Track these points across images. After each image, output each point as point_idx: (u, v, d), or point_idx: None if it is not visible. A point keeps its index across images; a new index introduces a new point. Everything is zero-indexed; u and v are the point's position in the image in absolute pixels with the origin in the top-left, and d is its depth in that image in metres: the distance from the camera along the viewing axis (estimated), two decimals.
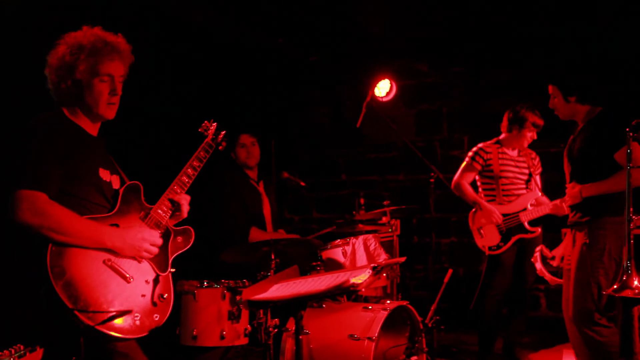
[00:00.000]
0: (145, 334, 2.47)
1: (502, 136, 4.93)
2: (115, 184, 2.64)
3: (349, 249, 4.00)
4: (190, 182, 2.77)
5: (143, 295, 2.50)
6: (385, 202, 4.78)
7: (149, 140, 4.95)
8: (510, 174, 4.86)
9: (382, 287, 4.50)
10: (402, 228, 6.00)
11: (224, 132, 2.98)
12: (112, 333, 2.35)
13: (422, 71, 6.85)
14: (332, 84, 7.05)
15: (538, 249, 4.08)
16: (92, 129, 2.63)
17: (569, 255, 3.79)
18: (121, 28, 2.70)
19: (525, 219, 4.76)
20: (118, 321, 2.36)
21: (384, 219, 5.01)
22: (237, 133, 4.77)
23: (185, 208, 2.74)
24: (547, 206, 4.70)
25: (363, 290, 4.00)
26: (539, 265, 4.06)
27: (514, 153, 4.91)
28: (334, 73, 6.94)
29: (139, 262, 2.54)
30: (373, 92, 5.28)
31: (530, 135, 4.82)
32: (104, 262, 2.42)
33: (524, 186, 4.90)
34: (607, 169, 3.62)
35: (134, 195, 2.64)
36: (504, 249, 4.76)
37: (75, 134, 2.53)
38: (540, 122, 4.79)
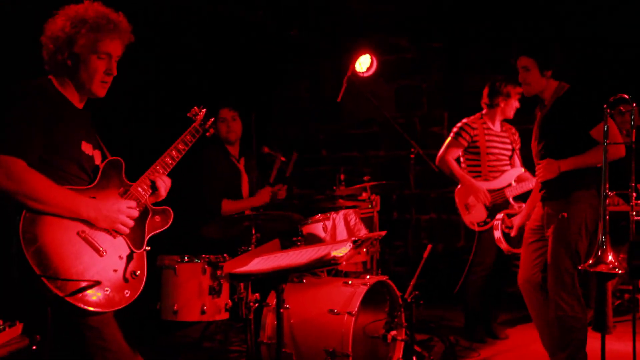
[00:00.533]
0: (114, 309, 2.45)
1: (484, 111, 4.95)
2: (97, 159, 2.62)
3: (329, 223, 4.03)
4: (174, 164, 2.77)
5: (115, 270, 2.48)
6: (365, 178, 4.78)
7: (135, 117, 4.88)
8: (496, 150, 4.89)
9: (362, 263, 4.53)
10: (382, 204, 6.01)
11: (212, 119, 2.99)
12: (80, 305, 2.33)
13: (402, 46, 6.82)
14: (312, 59, 7.00)
15: (500, 216, 4.17)
16: (79, 101, 2.60)
17: (535, 226, 3.90)
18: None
19: (510, 194, 4.81)
20: (87, 293, 2.34)
21: (364, 195, 5.03)
22: (218, 107, 4.72)
23: (164, 190, 2.72)
24: (530, 181, 4.74)
25: (344, 264, 4.05)
26: (498, 234, 4.15)
27: (497, 128, 4.95)
28: (314, 47, 6.89)
29: (114, 237, 2.52)
30: (354, 67, 5.24)
31: (515, 105, 4.88)
32: (77, 233, 2.40)
33: (508, 162, 4.95)
34: (583, 144, 3.71)
35: (114, 170, 2.62)
36: (490, 224, 4.78)
37: (60, 105, 2.51)
38: (521, 89, 4.82)
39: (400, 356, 4.09)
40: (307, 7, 6.34)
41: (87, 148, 2.57)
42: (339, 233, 4.01)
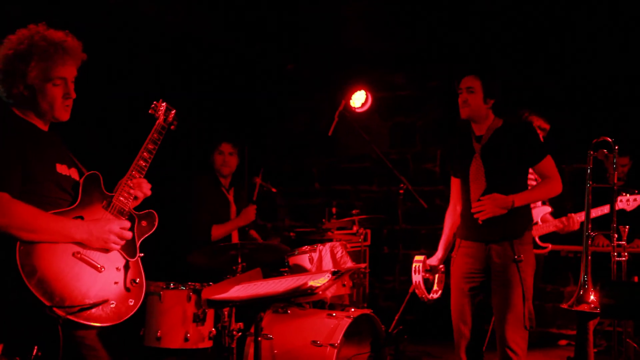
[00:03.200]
0: (122, 320, 2.50)
1: None
2: (75, 176, 2.64)
3: (315, 255, 4.05)
4: (147, 165, 2.77)
5: (116, 283, 2.53)
6: (354, 212, 4.83)
7: (102, 129, 4.90)
8: None
9: (349, 295, 4.55)
10: (373, 239, 6.07)
11: (174, 111, 2.94)
12: (91, 323, 2.38)
13: (398, 84, 6.94)
14: (309, 93, 7.10)
15: (420, 258, 3.75)
16: (43, 125, 2.61)
17: (471, 270, 3.59)
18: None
19: (536, 233, 4.57)
20: (95, 311, 2.40)
21: (354, 229, 5.08)
22: (220, 140, 4.81)
23: (143, 196, 2.75)
24: (552, 223, 4.53)
25: (327, 296, 4.07)
26: (417, 278, 3.67)
27: None
28: (311, 82, 6.99)
29: (108, 251, 2.56)
30: (346, 102, 5.32)
31: None
32: (73, 254, 2.44)
33: None
34: (523, 179, 3.67)
35: (94, 185, 2.64)
36: None
37: (28, 132, 2.51)
38: (547, 125, 4.66)
39: None
40: (304, 42, 6.46)
41: (62, 169, 2.58)
42: (324, 265, 4.04)
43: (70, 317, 2.33)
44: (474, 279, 3.59)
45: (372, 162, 6.96)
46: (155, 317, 3.70)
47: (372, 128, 6.66)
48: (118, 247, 2.57)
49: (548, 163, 3.61)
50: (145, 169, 2.76)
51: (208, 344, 3.79)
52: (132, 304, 2.56)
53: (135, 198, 2.74)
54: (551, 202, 4.70)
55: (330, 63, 6.79)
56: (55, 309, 2.30)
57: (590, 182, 3.55)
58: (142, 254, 2.68)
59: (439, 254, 3.82)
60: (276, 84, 6.99)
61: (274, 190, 4.95)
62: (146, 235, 2.74)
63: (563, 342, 6.01)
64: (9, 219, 2.30)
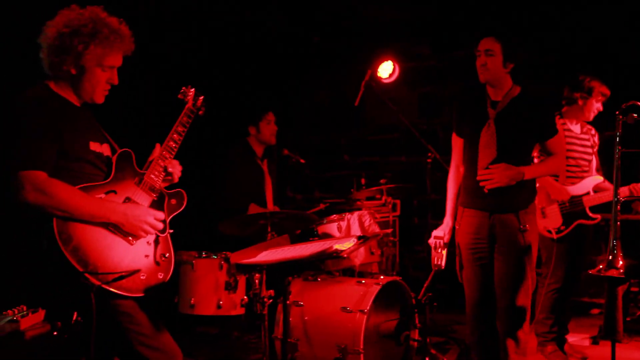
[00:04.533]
0: (150, 291, 2.59)
1: (563, 109, 4.55)
2: (107, 152, 2.70)
3: (344, 224, 4.11)
4: (177, 146, 2.85)
5: (146, 256, 2.63)
6: (382, 181, 4.86)
7: (133, 107, 5.00)
8: (576, 154, 4.51)
9: (378, 264, 4.60)
10: (403, 209, 6.09)
11: (202, 97, 3.02)
12: (122, 292, 2.48)
13: (424, 54, 6.89)
14: (335, 65, 7.10)
15: (440, 235, 3.71)
16: (77, 101, 2.67)
17: (476, 240, 3.59)
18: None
19: (588, 204, 4.46)
20: (127, 281, 2.49)
21: (383, 199, 5.11)
22: (266, 109, 4.91)
23: (177, 176, 2.85)
24: (609, 192, 4.39)
25: (356, 262, 4.13)
26: (441, 253, 3.69)
27: (577, 129, 4.55)
28: (337, 54, 6.99)
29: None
30: (372, 72, 5.29)
31: (597, 106, 4.49)
32: (107, 227, 2.53)
33: (588, 168, 4.57)
34: (531, 153, 3.64)
35: (126, 162, 2.72)
36: (564, 232, 4.44)
37: (62, 108, 2.56)
38: (608, 91, 4.49)
39: (413, 357, 4.16)
40: (330, 14, 6.44)
41: (95, 146, 2.64)
42: (353, 233, 4.09)
43: (102, 285, 2.41)
44: (480, 249, 3.60)
45: (401, 132, 6.95)
46: (188, 285, 3.79)
47: (400, 99, 6.63)
48: (146, 236, 2.64)
49: (558, 140, 3.58)
50: (175, 150, 2.84)
51: (240, 311, 3.86)
52: (161, 277, 2.65)
53: (166, 178, 2.81)
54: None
55: (356, 34, 6.76)
56: (88, 275, 2.38)
57: (620, 147, 3.51)
58: (172, 230, 2.76)
59: (450, 223, 3.76)
60: (302, 56, 6.99)
61: (302, 161, 5.01)
62: (175, 213, 2.83)
63: (595, 310, 5.98)
64: (46, 198, 2.37)
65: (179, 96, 2.98)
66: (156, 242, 2.69)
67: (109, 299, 2.49)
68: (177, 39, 5.16)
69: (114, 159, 2.68)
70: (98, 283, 2.41)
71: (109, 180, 2.64)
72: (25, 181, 2.36)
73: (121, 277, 2.47)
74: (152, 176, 2.75)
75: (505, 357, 3.57)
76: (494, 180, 3.43)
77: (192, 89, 3.00)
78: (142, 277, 2.57)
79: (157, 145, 2.86)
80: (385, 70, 6.17)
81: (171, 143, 2.83)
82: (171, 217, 2.80)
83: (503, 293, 3.54)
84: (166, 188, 2.85)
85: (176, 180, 2.85)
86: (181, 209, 2.84)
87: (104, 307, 2.50)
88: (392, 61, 6.17)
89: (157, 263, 2.66)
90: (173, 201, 2.83)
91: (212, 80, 5.64)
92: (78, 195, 2.45)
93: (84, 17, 2.54)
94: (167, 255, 2.70)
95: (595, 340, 4.97)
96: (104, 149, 2.70)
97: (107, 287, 2.43)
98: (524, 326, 3.54)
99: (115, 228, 2.55)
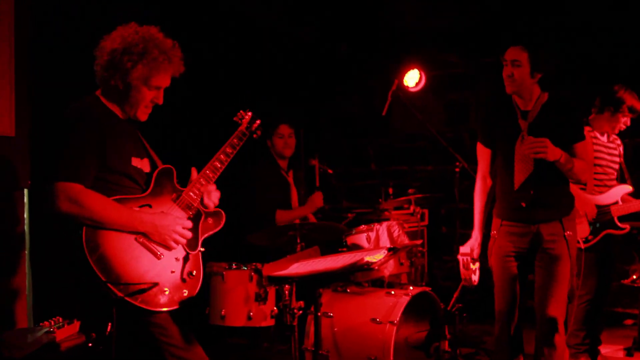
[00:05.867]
0: (174, 307, 2.60)
1: (591, 117, 4.50)
2: (146, 168, 2.75)
3: (372, 234, 4.11)
4: (223, 167, 2.87)
5: (172, 272, 2.63)
6: (410, 191, 4.85)
7: (181, 128, 5.10)
8: (604, 162, 4.46)
9: (407, 274, 4.59)
10: (431, 218, 6.07)
11: (258, 122, 3.08)
12: (142, 305, 2.48)
13: (451, 62, 6.87)
14: (362, 74, 7.11)
15: (467, 251, 3.66)
16: (122, 114, 2.72)
17: (516, 249, 3.54)
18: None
19: (616, 213, 4.40)
20: (148, 294, 2.50)
21: (411, 208, 5.10)
22: (277, 123, 4.91)
23: (211, 205, 2.84)
24: (638, 203, 4.39)
25: (385, 273, 4.12)
26: (474, 276, 3.64)
27: (604, 139, 4.49)
28: (364, 63, 7.00)
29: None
30: (399, 81, 5.27)
31: (624, 120, 4.42)
32: (135, 239, 2.56)
33: (615, 176, 4.53)
34: None
35: (167, 178, 2.76)
36: (592, 242, 4.37)
37: (108, 120, 2.63)
38: (639, 106, 4.40)
39: None
40: (356, 22, 6.46)
41: (136, 161, 2.70)
42: (382, 243, 4.09)
43: (122, 295, 2.42)
44: (517, 258, 3.55)
45: (428, 141, 6.93)
46: (218, 296, 3.82)
47: (426, 107, 6.63)
48: (176, 246, 2.65)
49: (586, 146, 3.52)
50: (220, 171, 2.86)
51: (270, 322, 3.88)
52: (185, 294, 2.63)
53: (203, 204, 2.82)
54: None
55: (383, 43, 6.77)
56: (110, 285, 2.41)
57: None
58: (203, 249, 2.76)
59: (479, 237, 3.71)
60: (329, 65, 7.02)
61: (330, 171, 5.02)
62: (211, 233, 2.82)
63: (629, 321, 5.88)
64: (80, 210, 2.43)
65: (235, 118, 3.05)
66: (185, 258, 2.68)
67: (137, 313, 2.51)
68: (204, 49, 5.22)
69: (154, 174, 2.72)
70: (119, 294, 2.42)
71: (145, 194, 2.68)
72: (60, 191, 2.42)
73: (142, 291, 2.47)
74: (191, 194, 2.77)
75: None
76: (542, 153, 3.30)
77: (250, 113, 3.05)
78: (165, 292, 2.56)
79: (194, 170, 2.85)
80: (412, 79, 6.16)
81: (216, 163, 2.85)
82: (206, 236, 2.79)
83: (540, 300, 3.50)
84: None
85: (211, 209, 2.85)
86: (217, 229, 2.83)
87: (136, 318, 2.54)
88: (419, 70, 6.16)
89: (183, 280, 2.64)
90: (210, 220, 2.83)
91: (240, 90, 5.70)
92: (110, 206, 2.49)
93: (137, 36, 2.61)
94: (195, 273, 2.69)
95: (629, 352, 4.88)
96: (144, 165, 2.75)
97: (129, 299, 2.44)
98: (561, 332, 3.49)
99: (146, 238, 2.57)
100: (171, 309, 2.58)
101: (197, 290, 2.68)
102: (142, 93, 2.64)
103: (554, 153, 3.32)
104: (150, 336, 2.59)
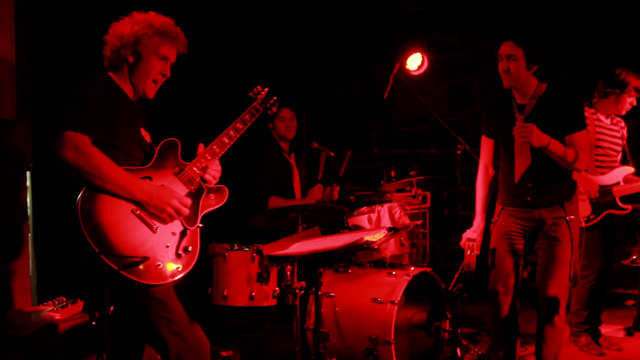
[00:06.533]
0: (166, 282, 2.57)
1: (595, 100, 4.53)
2: (154, 147, 2.79)
3: (374, 216, 4.13)
4: (231, 143, 2.85)
5: (167, 246, 2.60)
6: (411, 173, 4.86)
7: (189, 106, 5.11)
8: (606, 144, 4.51)
9: (408, 255, 4.61)
10: (433, 201, 6.08)
11: (275, 97, 3.08)
12: (134, 278, 2.47)
13: (452, 45, 6.85)
14: (364, 58, 7.11)
15: (474, 237, 3.67)
16: (132, 94, 2.80)
17: (514, 230, 3.57)
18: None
19: (617, 194, 4.44)
20: (140, 267, 2.48)
21: (413, 191, 5.11)
22: (279, 106, 4.90)
23: (212, 180, 2.83)
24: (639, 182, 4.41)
25: (387, 254, 4.15)
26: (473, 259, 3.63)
27: (607, 121, 4.54)
28: (366, 47, 6.99)
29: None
30: (401, 65, 5.26)
31: (630, 100, 4.46)
32: (132, 211, 2.56)
33: (617, 158, 4.57)
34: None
35: (170, 151, 2.77)
36: (594, 222, 4.43)
37: (119, 96, 2.72)
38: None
39: (444, 347, 4.17)
40: (357, 7, 6.45)
41: (146, 135, 2.79)
42: (383, 224, 4.11)
43: (114, 267, 2.41)
44: (517, 239, 3.59)
45: (430, 124, 6.94)
46: (221, 277, 3.86)
47: (429, 91, 6.62)
48: (171, 220, 2.63)
49: (584, 136, 3.49)
50: (227, 146, 2.84)
51: (272, 302, 3.93)
52: (179, 269, 2.60)
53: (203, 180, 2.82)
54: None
55: (384, 27, 6.75)
56: (102, 255, 2.41)
57: None
58: (202, 225, 2.73)
59: (481, 224, 3.73)
60: (331, 49, 7.01)
61: (332, 154, 5.03)
62: (212, 209, 2.78)
63: (630, 302, 5.91)
64: (83, 160, 2.47)
65: (250, 94, 3.04)
66: (182, 233, 2.65)
67: (137, 288, 2.53)
68: (204, 34, 5.22)
69: (158, 146, 2.76)
70: (111, 265, 2.41)
71: (147, 166, 2.70)
72: (69, 140, 2.48)
73: (134, 264, 2.45)
74: (195, 168, 2.76)
75: (542, 342, 3.58)
76: (529, 139, 3.33)
77: (266, 88, 3.05)
78: (158, 265, 2.54)
79: (200, 145, 2.87)
80: (414, 62, 6.14)
81: (225, 138, 2.85)
82: (206, 211, 2.77)
83: (542, 281, 3.56)
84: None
85: (212, 185, 2.84)
86: (220, 205, 2.80)
87: (135, 291, 2.55)
88: (421, 53, 6.15)
89: (177, 255, 2.61)
90: (212, 196, 2.79)
91: (240, 74, 5.70)
92: (112, 166, 2.53)
93: (145, 16, 2.76)
94: (191, 248, 2.65)
95: (629, 332, 4.92)
96: (149, 139, 2.81)
97: (121, 272, 2.42)
98: (561, 313, 3.54)
99: (143, 210, 2.58)
100: (162, 283, 2.56)
101: (190, 267, 2.64)
102: (152, 62, 2.74)
103: (538, 139, 3.32)
104: (150, 310, 2.58)
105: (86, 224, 2.43)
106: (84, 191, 2.48)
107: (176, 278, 2.59)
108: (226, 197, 2.83)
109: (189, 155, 2.83)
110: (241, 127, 2.89)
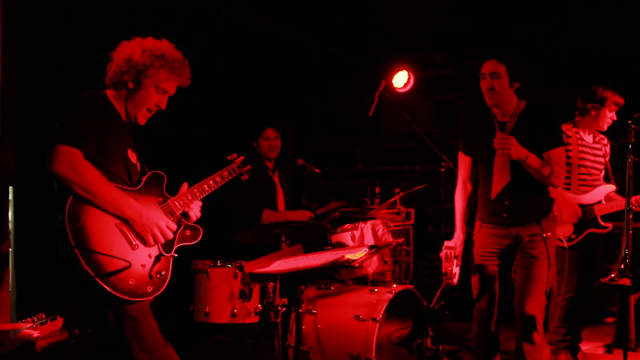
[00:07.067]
0: (134, 299, 2.58)
1: (576, 119, 4.54)
2: (138, 167, 2.85)
3: (357, 233, 4.16)
4: (209, 192, 2.99)
5: (143, 266, 2.64)
6: (395, 190, 4.89)
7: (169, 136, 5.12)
8: (588, 163, 4.52)
9: (391, 272, 4.63)
10: (417, 218, 6.11)
11: (249, 167, 3.22)
12: (106, 287, 2.48)
13: (439, 63, 6.92)
14: (350, 75, 7.16)
15: (452, 245, 3.70)
16: (125, 116, 2.83)
17: (495, 249, 3.63)
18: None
19: (599, 212, 4.44)
20: (114, 278, 2.50)
21: (397, 208, 5.14)
22: (263, 126, 4.98)
23: (193, 218, 2.91)
24: (620, 201, 4.42)
25: (369, 271, 4.16)
26: (455, 269, 3.66)
27: (590, 139, 4.55)
28: (352, 64, 7.05)
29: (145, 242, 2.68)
30: (386, 82, 5.31)
31: (610, 115, 4.48)
32: (115, 225, 2.59)
33: (600, 176, 4.59)
34: None
35: (157, 182, 2.85)
36: (575, 241, 4.42)
37: (112, 115, 2.75)
38: (621, 100, 4.46)
39: None
40: (345, 24, 6.50)
41: (132, 156, 2.81)
42: (366, 242, 4.13)
43: (90, 272, 2.43)
44: (495, 257, 3.64)
45: (416, 141, 6.98)
46: (203, 293, 3.86)
47: (414, 108, 6.67)
48: (153, 243, 2.68)
49: (561, 152, 3.55)
50: (206, 193, 2.98)
51: (254, 319, 3.94)
52: (150, 290, 2.63)
53: (185, 217, 2.89)
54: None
55: (371, 44, 6.81)
56: (76, 250, 2.43)
57: (632, 157, 3.53)
58: (177, 255, 2.78)
59: (461, 235, 3.76)
60: (318, 66, 7.06)
61: (317, 170, 5.07)
62: (187, 244, 2.85)
63: (610, 319, 5.95)
64: (74, 175, 2.49)
65: (228, 157, 3.18)
66: (157, 258, 2.70)
67: (111, 304, 2.55)
68: (193, 49, 5.25)
69: (146, 175, 2.83)
70: (86, 267, 2.42)
71: (136, 188, 2.75)
72: (61, 154, 2.50)
73: (110, 273, 2.48)
74: (177, 203, 2.85)
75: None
76: (508, 151, 3.38)
77: (242, 157, 3.20)
78: (130, 282, 2.56)
79: (185, 184, 2.95)
80: (400, 80, 6.21)
81: (204, 186, 2.96)
82: (181, 244, 2.82)
83: (519, 298, 3.60)
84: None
85: (190, 223, 2.90)
86: (193, 243, 2.87)
87: (110, 307, 2.58)
88: (407, 71, 6.20)
89: (150, 277, 2.65)
90: (187, 232, 2.86)
91: (227, 89, 5.73)
92: (104, 181, 2.56)
93: (159, 42, 2.79)
94: (163, 273, 2.70)
95: (609, 349, 4.94)
96: (138, 166, 2.85)
97: (96, 278, 2.44)
98: (539, 330, 3.58)
99: (126, 226, 2.61)
100: (132, 299, 2.58)
101: (160, 292, 2.69)
102: (150, 94, 2.77)
103: (517, 152, 3.39)
104: (123, 327, 2.61)
105: (72, 225, 2.46)
106: (72, 197, 2.51)
107: (145, 298, 2.63)
108: (200, 237, 2.90)
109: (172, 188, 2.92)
110: (220, 180, 3.04)
